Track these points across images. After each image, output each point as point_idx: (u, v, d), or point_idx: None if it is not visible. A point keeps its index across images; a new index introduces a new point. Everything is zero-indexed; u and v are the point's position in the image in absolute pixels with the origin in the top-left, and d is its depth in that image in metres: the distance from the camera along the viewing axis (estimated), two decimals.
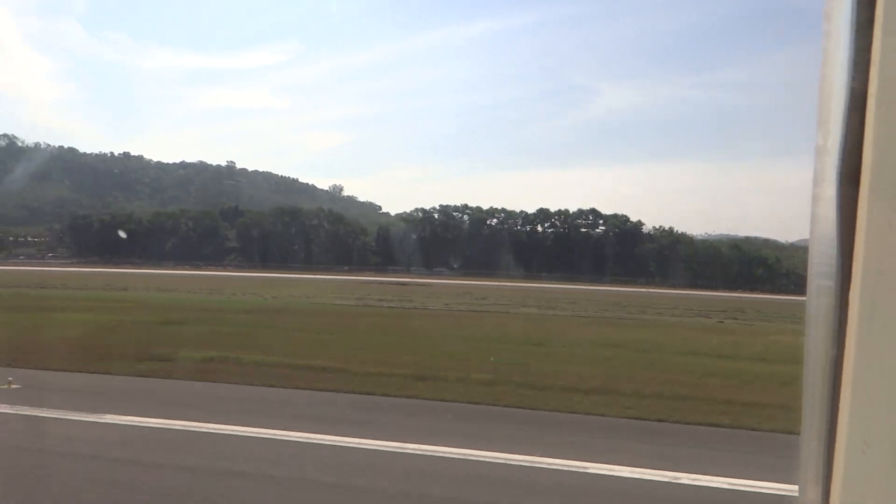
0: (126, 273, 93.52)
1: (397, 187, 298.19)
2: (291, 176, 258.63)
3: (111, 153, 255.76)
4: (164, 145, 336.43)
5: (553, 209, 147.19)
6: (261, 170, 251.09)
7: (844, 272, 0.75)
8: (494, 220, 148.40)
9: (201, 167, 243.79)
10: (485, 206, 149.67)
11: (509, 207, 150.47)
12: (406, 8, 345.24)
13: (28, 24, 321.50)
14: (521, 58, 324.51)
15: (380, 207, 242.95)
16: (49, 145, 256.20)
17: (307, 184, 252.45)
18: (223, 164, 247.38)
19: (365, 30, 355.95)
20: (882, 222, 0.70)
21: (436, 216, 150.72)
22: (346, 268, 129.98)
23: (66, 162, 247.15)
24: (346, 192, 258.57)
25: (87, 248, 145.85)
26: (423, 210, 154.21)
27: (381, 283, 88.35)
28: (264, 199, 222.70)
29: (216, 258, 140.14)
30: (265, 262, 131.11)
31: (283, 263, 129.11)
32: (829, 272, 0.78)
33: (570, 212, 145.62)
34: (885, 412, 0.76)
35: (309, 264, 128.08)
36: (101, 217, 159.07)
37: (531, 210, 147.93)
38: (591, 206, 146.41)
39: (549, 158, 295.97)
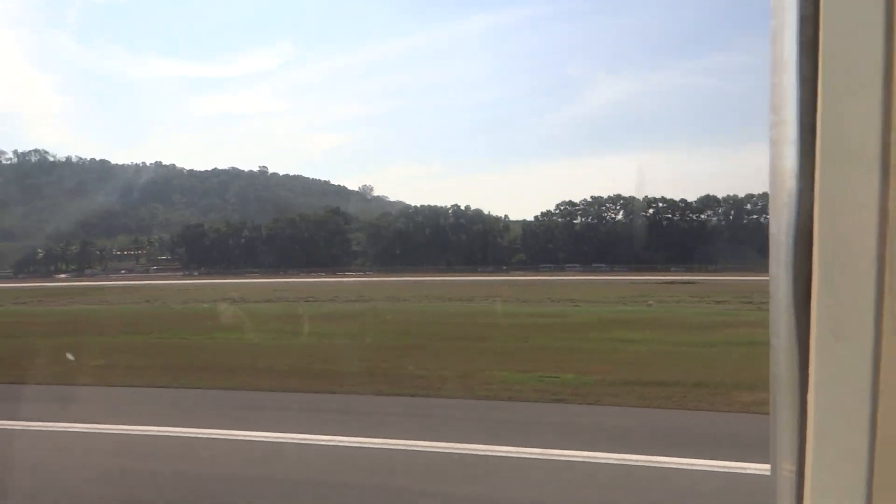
0: (289, 283, 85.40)
1: (406, 185, 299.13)
2: (321, 178, 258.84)
3: (143, 163, 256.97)
4: (172, 153, 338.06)
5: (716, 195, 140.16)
6: (291, 173, 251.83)
7: (805, 248, 0.77)
8: (651, 210, 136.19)
9: (234, 173, 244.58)
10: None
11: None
12: (400, 6, 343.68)
13: (22, 37, 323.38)
14: (523, 51, 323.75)
15: (410, 206, 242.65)
16: (81, 158, 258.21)
17: (339, 185, 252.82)
18: (255, 169, 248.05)
19: (360, 29, 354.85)
20: (837, 199, 0.73)
21: (578, 210, 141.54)
22: (489, 268, 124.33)
23: (101, 174, 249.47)
24: (375, 192, 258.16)
25: (197, 259, 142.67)
26: (569, 203, 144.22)
27: (652, 281, 74.98)
28: (301, 203, 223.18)
29: (337, 263, 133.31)
30: (397, 266, 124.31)
31: (419, 266, 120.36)
32: (790, 249, 0.80)
33: (740, 197, 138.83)
34: (853, 385, 0.79)
35: (451, 265, 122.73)
36: (216, 226, 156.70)
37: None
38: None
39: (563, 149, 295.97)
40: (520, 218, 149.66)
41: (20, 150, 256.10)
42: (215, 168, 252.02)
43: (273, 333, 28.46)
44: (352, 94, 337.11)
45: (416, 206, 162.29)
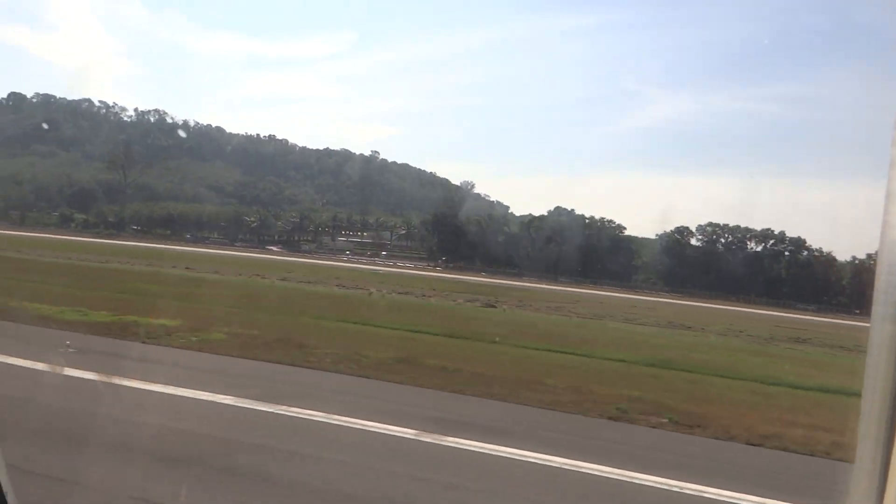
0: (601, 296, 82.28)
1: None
2: (427, 169, 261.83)
3: (258, 134, 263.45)
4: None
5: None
6: (399, 161, 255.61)
7: None
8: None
9: (346, 155, 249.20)
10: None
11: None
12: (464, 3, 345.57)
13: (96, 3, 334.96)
14: (575, 59, 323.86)
15: (508, 207, 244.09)
16: (198, 123, 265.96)
17: (444, 178, 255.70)
18: (367, 153, 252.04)
19: (414, 26, 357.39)
20: None
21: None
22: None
23: (219, 141, 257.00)
24: (475, 190, 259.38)
25: (445, 252, 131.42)
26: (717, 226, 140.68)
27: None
28: (419, 194, 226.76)
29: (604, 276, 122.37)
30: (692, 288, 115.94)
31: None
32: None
33: None
34: None
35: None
36: (476, 218, 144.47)
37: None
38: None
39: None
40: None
41: (140, 109, 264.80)
42: (327, 148, 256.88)
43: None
44: (404, 88, 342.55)
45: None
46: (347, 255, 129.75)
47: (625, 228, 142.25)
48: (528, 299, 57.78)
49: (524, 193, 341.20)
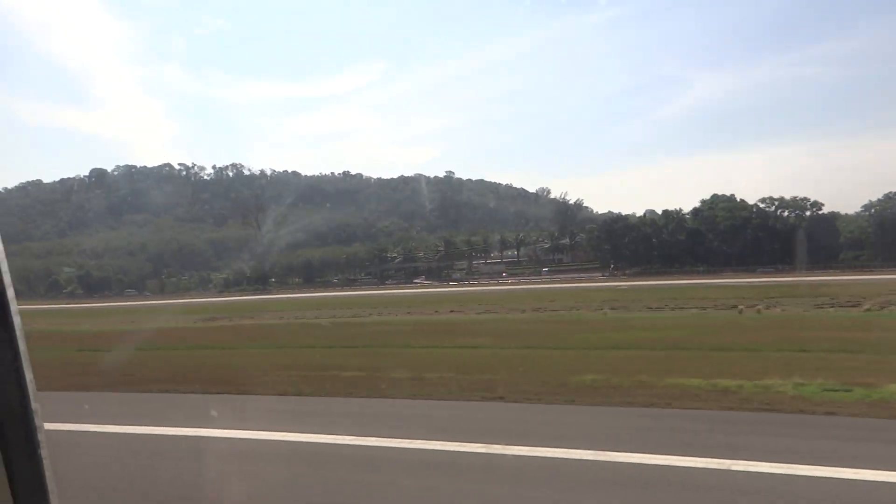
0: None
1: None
2: (501, 182, 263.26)
3: (332, 173, 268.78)
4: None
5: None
6: (473, 178, 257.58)
7: None
8: None
9: (421, 180, 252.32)
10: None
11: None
12: (485, 15, 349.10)
13: (135, 70, 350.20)
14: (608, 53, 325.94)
15: (589, 209, 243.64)
16: (274, 171, 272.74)
17: (520, 188, 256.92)
18: (441, 174, 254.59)
19: (446, 43, 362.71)
20: None
21: None
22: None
23: (292, 184, 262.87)
24: (551, 195, 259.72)
25: (618, 259, 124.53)
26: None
27: None
28: (500, 207, 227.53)
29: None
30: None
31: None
32: None
33: None
34: None
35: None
36: (648, 219, 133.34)
37: None
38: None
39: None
40: None
41: (217, 165, 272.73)
42: (402, 175, 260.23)
43: None
44: (443, 107, 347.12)
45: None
46: (504, 276, 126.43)
47: (822, 205, 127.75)
48: (804, 295, 55.36)
49: (592, 191, 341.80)
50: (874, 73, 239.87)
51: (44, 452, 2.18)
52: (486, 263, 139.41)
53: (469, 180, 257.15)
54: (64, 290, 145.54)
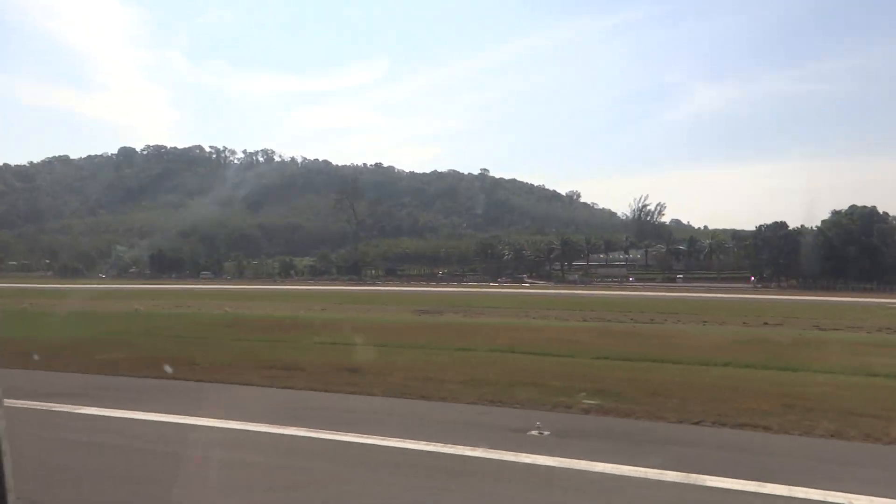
0: None
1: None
2: (537, 183, 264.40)
3: (364, 164, 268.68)
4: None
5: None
6: (506, 177, 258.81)
7: None
8: None
9: (457, 176, 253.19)
10: None
11: None
12: (490, 18, 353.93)
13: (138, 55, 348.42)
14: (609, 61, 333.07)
15: (615, 213, 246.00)
16: (305, 159, 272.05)
17: (552, 190, 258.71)
18: (475, 172, 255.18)
19: (448, 46, 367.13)
20: None
21: None
22: None
23: (324, 174, 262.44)
24: (581, 200, 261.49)
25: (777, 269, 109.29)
26: None
27: None
28: (539, 209, 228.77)
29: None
30: None
31: None
32: None
33: None
34: None
35: None
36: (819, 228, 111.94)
37: None
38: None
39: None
40: None
41: (248, 150, 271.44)
42: (434, 170, 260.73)
43: None
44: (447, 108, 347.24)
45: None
46: (631, 280, 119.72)
47: None
48: None
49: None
50: None
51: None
52: (606, 265, 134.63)
53: (502, 179, 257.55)
54: (131, 270, 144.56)
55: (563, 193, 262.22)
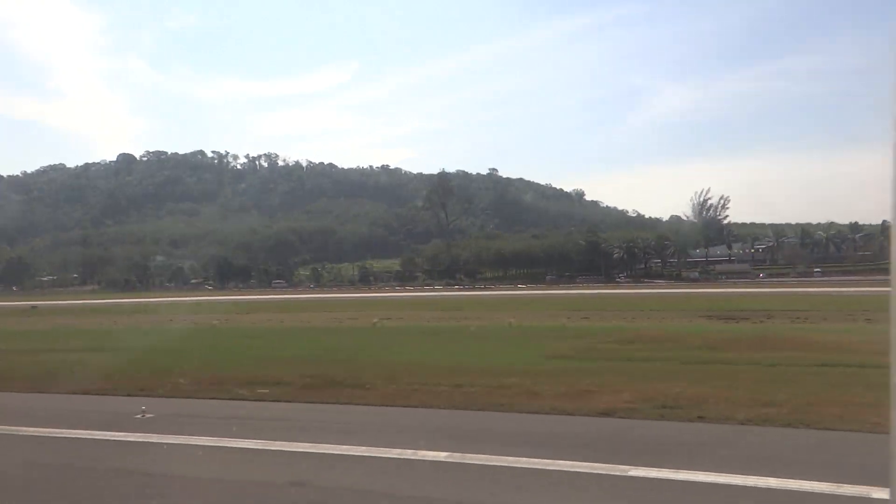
0: None
1: None
2: (543, 182, 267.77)
3: (370, 166, 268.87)
4: None
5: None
6: (513, 176, 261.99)
7: None
8: None
9: (465, 176, 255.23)
10: None
11: None
12: (459, 22, 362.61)
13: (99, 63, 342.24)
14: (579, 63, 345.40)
15: (626, 211, 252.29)
16: (310, 162, 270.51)
17: (559, 188, 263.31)
18: (484, 171, 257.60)
19: (421, 48, 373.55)
20: None
21: None
22: None
23: (330, 176, 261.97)
24: (587, 197, 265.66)
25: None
26: None
27: None
28: (550, 208, 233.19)
29: None
30: None
31: None
32: None
33: None
34: None
35: None
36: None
37: None
38: None
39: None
40: None
41: (251, 155, 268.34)
42: (443, 170, 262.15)
43: None
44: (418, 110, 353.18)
45: None
46: (761, 277, 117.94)
47: None
48: None
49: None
50: None
51: None
52: (729, 261, 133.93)
53: (509, 178, 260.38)
54: (193, 281, 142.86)
55: (570, 191, 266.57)
